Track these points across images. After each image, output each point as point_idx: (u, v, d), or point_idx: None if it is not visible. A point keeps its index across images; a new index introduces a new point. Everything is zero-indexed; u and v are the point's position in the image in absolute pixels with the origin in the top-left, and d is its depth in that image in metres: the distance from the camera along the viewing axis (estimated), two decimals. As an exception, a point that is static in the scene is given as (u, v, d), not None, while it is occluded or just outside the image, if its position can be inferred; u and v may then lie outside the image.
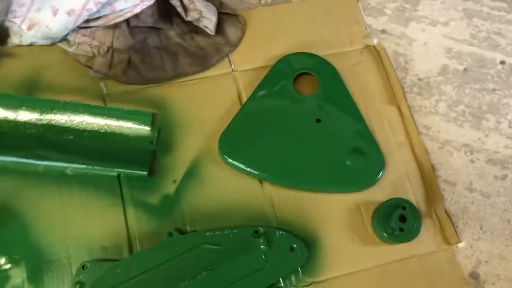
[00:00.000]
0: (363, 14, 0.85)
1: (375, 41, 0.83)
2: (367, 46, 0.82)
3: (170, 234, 0.65)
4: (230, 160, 0.70)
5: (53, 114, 0.69)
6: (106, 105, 0.72)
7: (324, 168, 0.71)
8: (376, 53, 0.82)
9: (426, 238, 0.70)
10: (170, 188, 0.69)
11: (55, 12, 0.70)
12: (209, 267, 0.63)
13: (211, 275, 0.63)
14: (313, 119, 0.73)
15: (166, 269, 0.63)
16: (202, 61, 0.76)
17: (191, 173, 0.71)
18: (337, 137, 0.72)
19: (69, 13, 0.69)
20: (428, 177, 0.74)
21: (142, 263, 0.63)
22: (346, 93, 0.76)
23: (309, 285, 0.66)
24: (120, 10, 0.70)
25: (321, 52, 0.78)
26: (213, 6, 0.77)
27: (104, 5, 0.69)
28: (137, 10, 0.70)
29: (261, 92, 0.74)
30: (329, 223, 0.70)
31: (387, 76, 0.80)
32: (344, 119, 0.74)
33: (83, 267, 0.62)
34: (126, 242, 0.66)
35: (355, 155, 0.71)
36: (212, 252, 0.64)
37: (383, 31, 0.84)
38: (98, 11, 0.70)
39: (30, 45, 0.75)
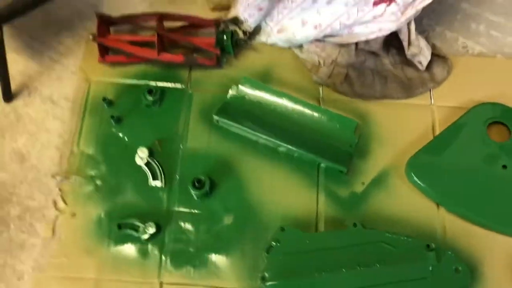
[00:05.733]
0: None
1: None
2: (561, 113, 0.87)
3: (355, 225, 0.77)
4: (416, 179, 0.80)
5: (281, 101, 0.85)
6: (320, 105, 0.87)
7: (500, 210, 0.78)
8: None
9: None
10: (358, 188, 0.81)
11: (304, 24, 0.86)
12: (382, 261, 0.73)
13: (381, 269, 0.73)
14: (500, 165, 0.80)
15: (345, 252, 0.74)
16: (408, 90, 0.88)
17: (378, 181, 0.82)
18: (520, 186, 0.79)
19: (315, 27, 0.85)
20: None
21: (328, 241, 0.75)
22: (535, 149, 0.82)
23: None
24: (357, 33, 0.84)
25: (516, 108, 0.86)
26: (429, 46, 0.88)
27: (346, 27, 0.84)
28: (372, 36, 0.83)
29: (456, 129, 0.83)
30: (494, 260, 0.76)
31: None
32: (529, 172, 0.80)
33: (282, 229, 0.76)
34: (314, 220, 0.79)
35: (533, 206, 0.77)
36: (386, 251, 0.74)
37: None
38: (339, 30, 0.85)
39: (272, 45, 0.92)
